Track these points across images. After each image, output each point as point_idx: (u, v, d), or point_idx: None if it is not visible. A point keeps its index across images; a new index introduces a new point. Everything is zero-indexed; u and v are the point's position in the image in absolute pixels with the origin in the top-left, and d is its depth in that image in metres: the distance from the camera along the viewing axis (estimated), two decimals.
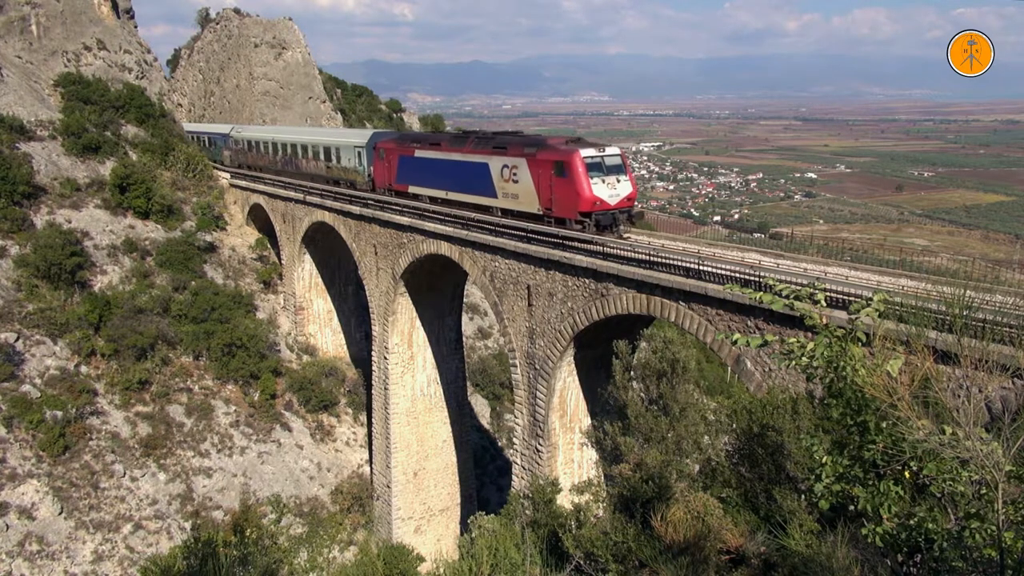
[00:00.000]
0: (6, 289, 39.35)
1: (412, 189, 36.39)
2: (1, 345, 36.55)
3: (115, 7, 63.90)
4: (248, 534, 12.53)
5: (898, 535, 5.77)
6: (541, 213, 27.84)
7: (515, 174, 28.87)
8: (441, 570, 11.09)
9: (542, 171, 27.38)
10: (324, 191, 44.44)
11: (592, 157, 26.32)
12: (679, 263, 22.42)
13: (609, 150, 27.15)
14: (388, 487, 41.33)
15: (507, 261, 29.33)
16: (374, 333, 41.06)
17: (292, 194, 47.63)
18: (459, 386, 42.67)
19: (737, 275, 20.62)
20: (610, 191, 26.14)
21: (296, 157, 48.51)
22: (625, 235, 26.33)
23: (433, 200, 34.72)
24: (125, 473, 36.40)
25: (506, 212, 29.97)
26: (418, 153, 35.72)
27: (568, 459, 29.36)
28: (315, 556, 24.35)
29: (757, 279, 19.80)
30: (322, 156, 45.28)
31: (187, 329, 43.63)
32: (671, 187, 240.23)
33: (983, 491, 5.43)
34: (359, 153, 41.26)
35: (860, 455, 5.86)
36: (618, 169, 26.87)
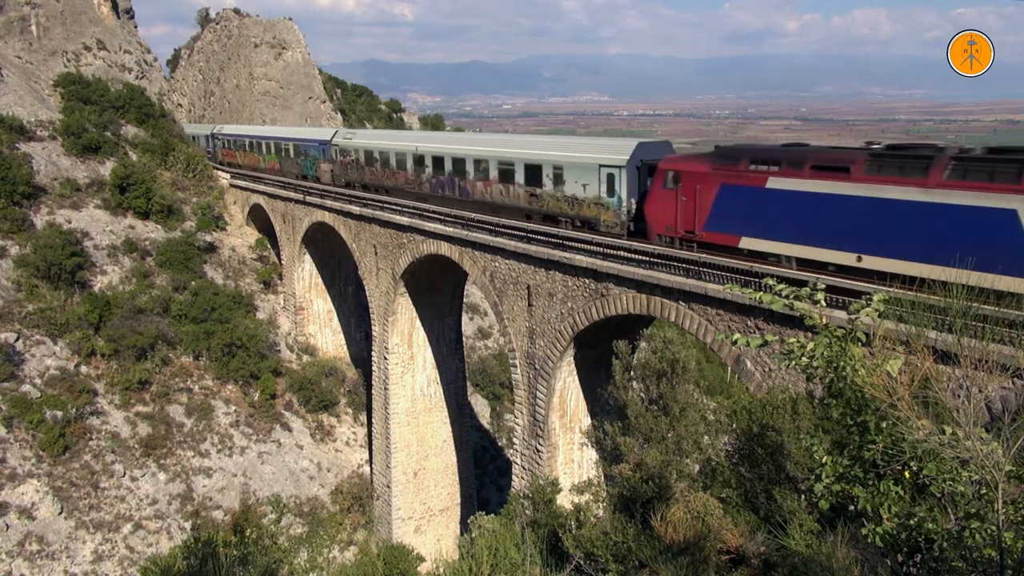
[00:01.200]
0: (6, 289, 39.36)
1: (751, 243, 21.49)
2: (1, 345, 36.56)
3: (115, 7, 63.99)
4: (248, 534, 12.53)
5: (898, 535, 5.77)
6: None
7: None
8: (441, 570, 11.09)
9: None
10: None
11: None
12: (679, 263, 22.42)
13: None
14: (388, 487, 41.34)
15: (507, 261, 29.32)
16: (374, 333, 41.07)
17: (292, 194, 47.60)
18: (459, 386, 42.71)
19: (737, 275, 20.63)
20: None
21: (462, 177, 33.74)
22: None
23: (803, 264, 20.18)
24: (125, 473, 36.41)
25: None
26: (774, 182, 20.55)
27: (568, 459, 29.38)
28: (315, 556, 24.37)
29: (757, 279, 19.80)
30: (521, 178, 30.49)
31: (187, 329, 43.66)
32: None
33: (983, 491, 5.43)
34: (610, 176, 26.50)
35: (860, 455, 5.86)
36: None
